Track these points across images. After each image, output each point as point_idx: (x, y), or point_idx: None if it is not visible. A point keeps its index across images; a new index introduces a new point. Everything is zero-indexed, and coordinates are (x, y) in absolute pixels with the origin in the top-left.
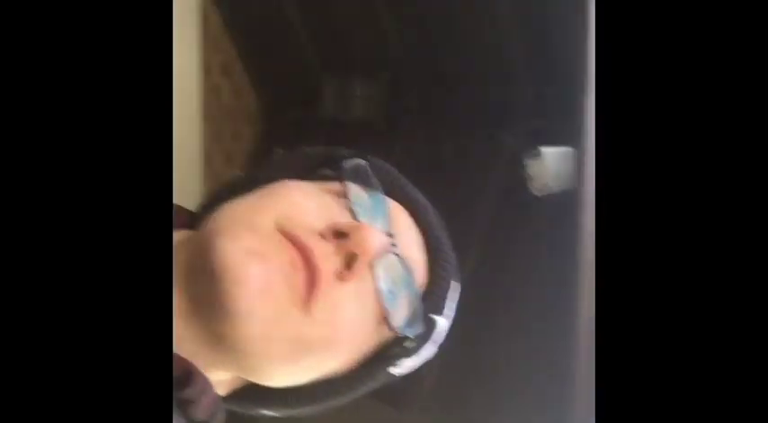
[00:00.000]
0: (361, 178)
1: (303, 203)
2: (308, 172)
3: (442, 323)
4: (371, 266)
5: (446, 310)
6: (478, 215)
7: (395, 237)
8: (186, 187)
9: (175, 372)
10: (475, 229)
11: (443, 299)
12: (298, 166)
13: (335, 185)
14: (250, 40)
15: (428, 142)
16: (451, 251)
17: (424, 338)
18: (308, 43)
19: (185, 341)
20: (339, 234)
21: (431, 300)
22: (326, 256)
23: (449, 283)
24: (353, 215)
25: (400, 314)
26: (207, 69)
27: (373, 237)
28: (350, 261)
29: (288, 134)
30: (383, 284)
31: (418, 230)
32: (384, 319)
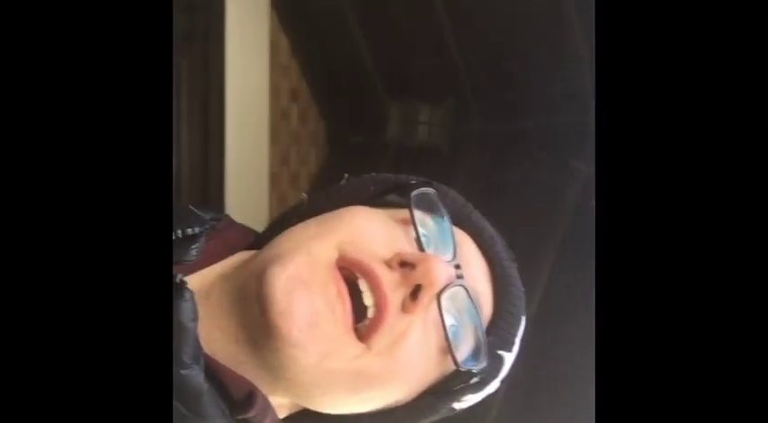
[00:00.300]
0: (428, 206)
1: (369, 229)
2: (375, 198)
3: (509, 359)
4: (437, 298)
5: (514, 347)
6: (546, 244)
7: (461, 268)
8: (253, 208)
9: (238, 393)
10: (543, 259)
11: (512, 334)
12: (365, 192)
13: (402, 213)
14: (317, 65)
15: (494, 169)
16: (520, 284)
17: (490, 374)
18: (374, 69)
19: (243, 365)
20: (405, 264)
21: (498, 335)
22: (393, 286)
23: (518, 319)
24: (420, 244)
25: (464, 348)
26: (275, 94)
27: (440, 268)
28: (415, 292)
29: (353, 158)
30: (448, 317)
31: (485, 261)
32: (447, 351)
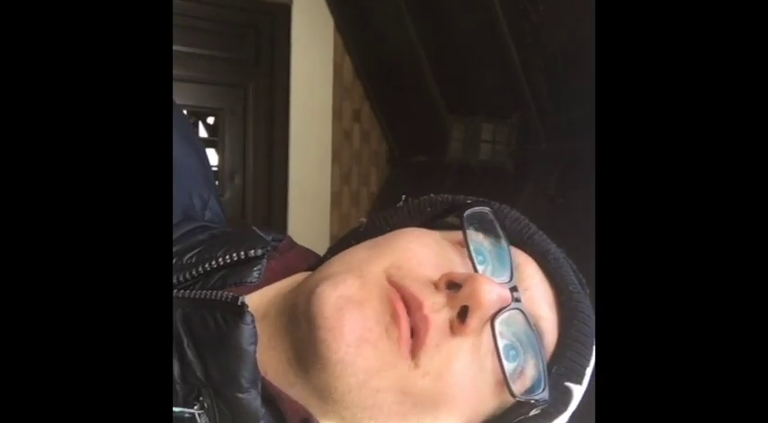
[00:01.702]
0: (483, 226)
1: (419, 252)
2: (433, 220)
3: (579, 392)
4: (491, 322)
5: (584, 379)
6: None
7: (521, 291)
8: (315, 226)
9: (293, 419)
10: None
11: (581, 365)
12: (422, 214)
13: (458, 234)
14: (380, 86)
15: (559, 188)
16: (590, 311)
17: (556, 408)
18: (436, 88)
19: (296, 387)
20: (452, 284)
21: (565, 365)
22: (437, 307)
23: (588, 348)
24: (474, 265)
25: (524, 376)
26: (338, 115)
27: (488, 289)
28: (462, 313)
29: (415, 177)
30: (503, 342)
31: (550, 286)
32: (504, 381)
